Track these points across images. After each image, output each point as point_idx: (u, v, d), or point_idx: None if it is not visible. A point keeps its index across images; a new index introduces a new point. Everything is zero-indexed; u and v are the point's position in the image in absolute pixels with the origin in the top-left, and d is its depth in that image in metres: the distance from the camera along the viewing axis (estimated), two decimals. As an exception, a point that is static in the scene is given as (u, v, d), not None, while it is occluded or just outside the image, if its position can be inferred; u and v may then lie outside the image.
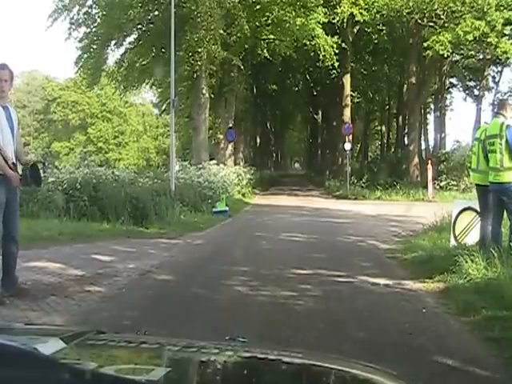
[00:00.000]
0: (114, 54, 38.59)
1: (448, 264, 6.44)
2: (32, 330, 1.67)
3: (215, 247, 10.22)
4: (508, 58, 24.97)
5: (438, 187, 23.15)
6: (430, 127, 38.64)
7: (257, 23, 23.82)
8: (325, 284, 6.49)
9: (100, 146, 59.23)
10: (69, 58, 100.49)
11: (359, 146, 45.06)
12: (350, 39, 28.75)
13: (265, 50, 24.69)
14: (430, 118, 39.26)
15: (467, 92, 39.41)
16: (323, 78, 33.65)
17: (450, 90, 39.70)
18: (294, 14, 23.21)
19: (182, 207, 14.17)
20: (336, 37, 25.43)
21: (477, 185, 7.25)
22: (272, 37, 24.75)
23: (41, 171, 5.59)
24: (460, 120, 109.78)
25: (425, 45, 24.44)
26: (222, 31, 20.46)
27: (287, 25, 23.44)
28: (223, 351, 1.50)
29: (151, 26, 23.11)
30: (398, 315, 5.17)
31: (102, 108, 60.62)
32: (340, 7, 25.17)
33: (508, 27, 24.19)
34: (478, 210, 7.41)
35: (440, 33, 23.98)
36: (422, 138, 35.09)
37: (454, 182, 23.58)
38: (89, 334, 1.52)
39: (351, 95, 31.18)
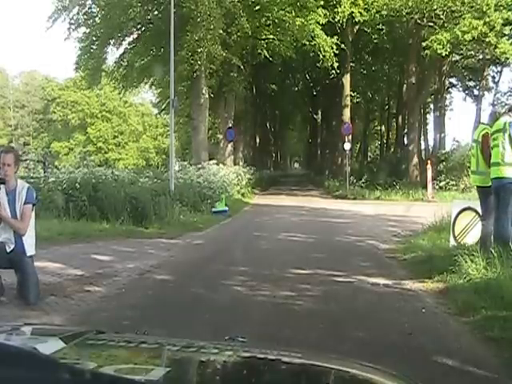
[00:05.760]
0: (113, 54, 38.61)
1: (447, 264, 6.43)
2: (32, 330, 1.67)
3: (215, 247, 10.22)
4: (507, 58, 24.95)
5: (437, 187, 23.14)
6: (430, 127, 38.63)
7: (257, 23, 23.81)
8: (324, 284, 6.49)
9: (99, 146, 59.17)
10: (68, 58, 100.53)
11: (359, 145, 45.05)
12: (350, 39, 28.75)
13: (264, 50, 24.70)
14: (430, 117, 39.25)
15: (467, 92, 39.39)
16: (323, 78, 33.63)
17: (450, 89, 39.68)
18: (293, 14, 23.23)
19: (181, 207, 14.17)
20: (336, 37, 25.43)
21: (477, 186, 7.24)
22: (272, 37, 24.75)
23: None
24: (460, 120, 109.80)
25: (423, 44, 24.46)
26: (221, 31, 20.45)
27: (287, 25, 23.46)
28: (223, 351, 1.50)
29: (151, 25, 23.09)
30: (398, 315, 5.16)
31: (101, 108, 60.55)
32: (340, 7, 25.19)
33: (507, 27, 24.19)
34: (478, 210, 7.41)
35: (439, 33, 24.00)
36: (422, 137, 35.06)
37: (454, 182, 23.58)
38: (88, 333, 1.52)
39: (351, 95, 31.18)
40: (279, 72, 35.29)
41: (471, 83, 38.04)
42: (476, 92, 36.14)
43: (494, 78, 35.64)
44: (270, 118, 49.97)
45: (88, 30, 23.05)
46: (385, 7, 24.53)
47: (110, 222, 11.58)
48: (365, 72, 35.85)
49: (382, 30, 28.79)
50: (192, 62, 19.82)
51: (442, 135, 34.03)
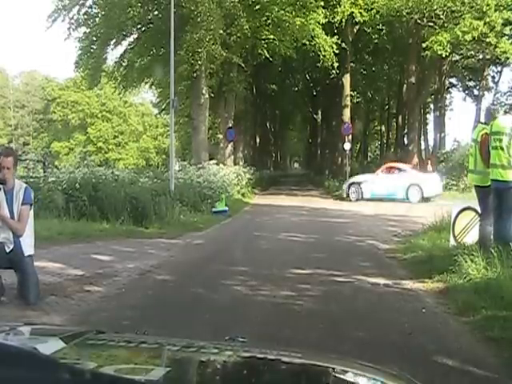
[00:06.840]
0: (113, 54, 38.64)
1: (447, 264, 6.43)
2: (32, 330, 1.67)
3: (215, 247, 10.22)
4: (507, 58, 24.96)
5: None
6: (430, 127, 38.69)
7: (257, 23, 23.81)
8: (324, 284, 6.49)
9: (100, 146, 59.20)
10: (69, 57, 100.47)
11: (359, 145, 45.05)
12: (350, 39, 28.75)
13: (265, 50, 24.69)
14: (430, 117, 39.31)
15: (467, 92, 39.40)
16: (323, 78, 33.63)
17: (450, 89, 39.69)
18: (293, 14, 23.24)
19: (181, 207, 14.17)
20: (336, 37, 25.46)
21: (476, 186, 7.23)
22: (272, 37, 24.75)
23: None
24: (460, 120, 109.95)
25: (424, 45, 24.46)
26: (221, 31, 20.44)
27: (287, 25, 23.46)
28: (223, 351, 1.50)
29: (151, 25, 23.09)
30: (398, 315, 5.16)
31: (101, 108, 60.58)
32: (340, 7, 25.20)
33: (507, 27, 24.19)
34: (478, 210, 7.40)
35: (439, 33, 24.00)
36: (422, 137, 35.09)
37: (454, 182, 23.55)
38: (88, 333, 1.52)
39: (351, 95, 31.18)
40: (279, 72, 35.28)
41: (471, 83, 38.05)
42: (476, 92, 36.16)
43: (493, 78, 35.70)
44: (270, 118, 49.97)
45: (88, 30, 23.05)
46: (385, 7, 24.51)
47: (110, 221, 11.58)
48: (365, 72, 35.83)
49: (382, 30, 28.79)
50: (192, 62, 19.82)
51: (442, 135, 34.06)
